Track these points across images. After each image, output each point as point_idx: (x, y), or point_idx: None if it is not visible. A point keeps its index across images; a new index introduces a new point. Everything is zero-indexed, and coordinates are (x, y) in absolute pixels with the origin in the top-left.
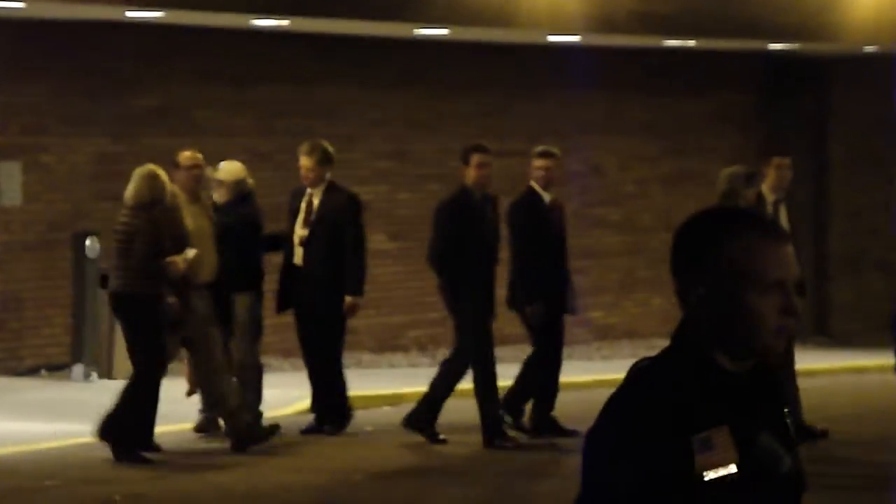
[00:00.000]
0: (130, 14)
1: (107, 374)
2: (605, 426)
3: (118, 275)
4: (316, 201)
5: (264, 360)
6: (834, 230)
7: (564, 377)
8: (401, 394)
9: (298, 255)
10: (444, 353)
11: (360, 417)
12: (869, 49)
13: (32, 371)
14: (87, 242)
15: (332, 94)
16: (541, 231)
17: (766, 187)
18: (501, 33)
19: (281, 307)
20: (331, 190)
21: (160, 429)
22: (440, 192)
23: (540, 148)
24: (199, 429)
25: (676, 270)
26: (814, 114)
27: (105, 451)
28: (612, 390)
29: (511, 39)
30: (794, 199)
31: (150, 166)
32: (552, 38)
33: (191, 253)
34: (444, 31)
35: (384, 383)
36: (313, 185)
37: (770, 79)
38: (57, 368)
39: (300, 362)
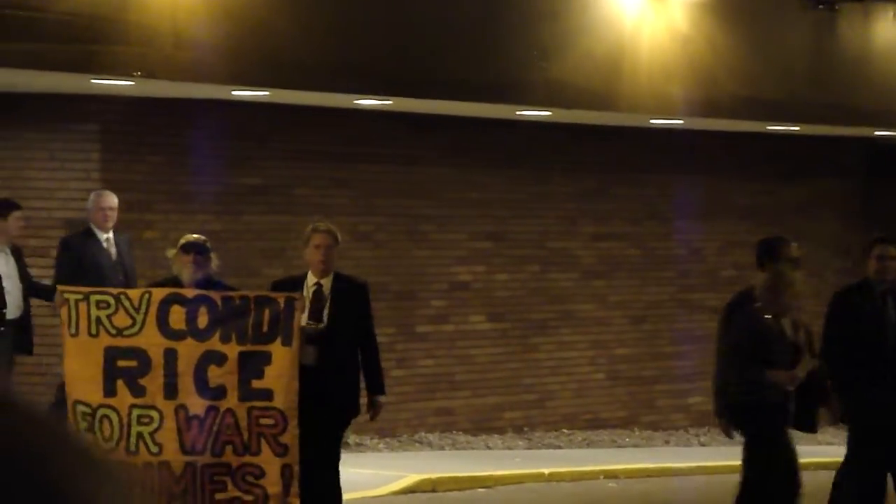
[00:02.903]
0: (236, 93)
1: None
2: None
3: None
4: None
5: None
6: None
7: (662, 463)
8: (496, 476)
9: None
10: (539, 435)
11: (455, 500)
12: None
13: None
14: None
15: (431, 174)
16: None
17: (870, 275)
18: (603, 116)
19: None
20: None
21: None
22: (537, 272)
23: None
24: None
25: None
26: None
27: None
28: (710, 476)
29: (613, 122)
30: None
31: None
32: (654, 122)
33: None
34: (545, 113)
35: (479, 465)
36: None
37: (873, 165)
38: None
39: (392, 441)
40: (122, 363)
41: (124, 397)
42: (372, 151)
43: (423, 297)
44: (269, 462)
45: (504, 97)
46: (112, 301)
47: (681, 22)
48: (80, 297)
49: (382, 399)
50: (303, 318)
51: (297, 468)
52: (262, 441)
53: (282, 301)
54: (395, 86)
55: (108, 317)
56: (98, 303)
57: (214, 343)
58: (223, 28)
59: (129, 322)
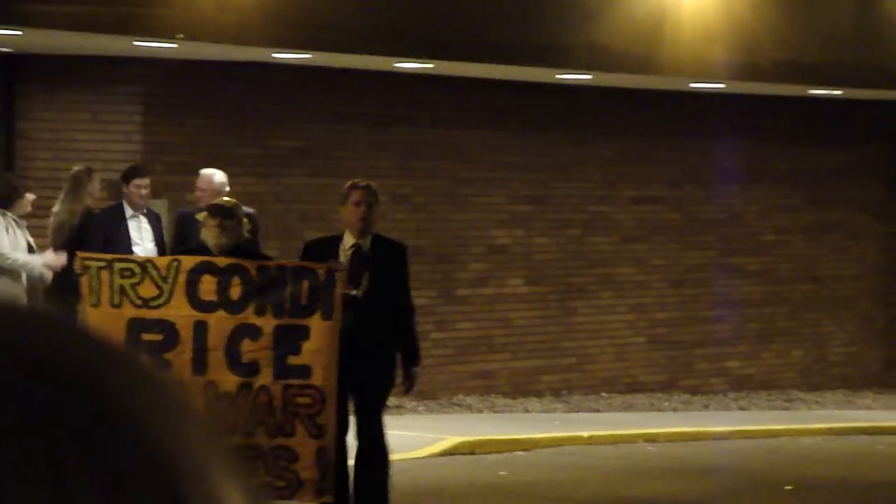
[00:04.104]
0: (277, 55)
1: None
2: None
3: None
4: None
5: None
6: None
7: (701, 427)
8: (535, 439)
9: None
10: (578, 399)
11: (494, 462)
12: None
13: None
14: None
15: (471, 136)
16: None
17: None
18: (644, 80)
19: None
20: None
21: None
22: (577, 236)
23: None
24: None
25: None
26: None
27: None
28: (748, 441)
29: (654, 86)
30: None
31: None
32: (695, 86)
33: None
34: (586, 77)
35: (518, 428)
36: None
37: None
38: None
39: (432, 404)
40: (147, 336)
41: None
42: (412, 114)
43: (462, 260)
44: (303, 444)
45: (545, 60)
46: (138, 269)
47: None
48: (102, 264)
49: (416, 371)
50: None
51: (332, 453)
52: (297, 422)
53: (322, 272)
54: (436, 49)
55: (133, 286)
56: (122, 271)
57: (248, 316)
58: None
59: (156, 292)
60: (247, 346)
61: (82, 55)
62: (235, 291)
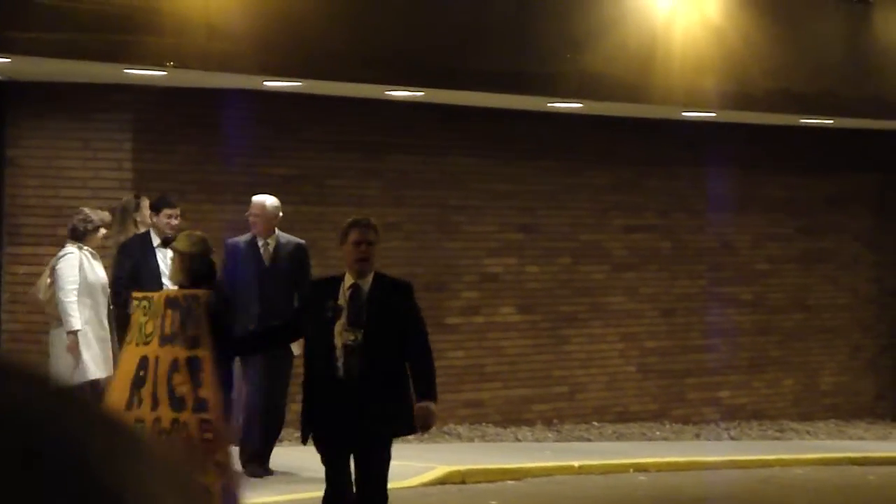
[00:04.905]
0: (268, 84)
1: None
2: None
3: None
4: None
5: None
6: None
7: (692, 456)
8: (526, 468)
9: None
10: (569, 428)
11: (485, 492)
12: None
13: None
14: None
15: (462, 165)
16: None
17: None
18: (636, 108)
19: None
20: None
21: None
22: (568, 264)
23: None
24: None
25: None
26: None
27: None
28: (740, 470)
29: (645, 115)
30: None
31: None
32: (686, 115)
33: None
34: (577, 105)
35: (509, 458)
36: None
37: None
38: None
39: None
40: (141, 373)
41: (135, 411)
42: (403, 142)
43: (453, 288)
44: (214, 484)
45: (536, 89)
46: (147, 305)
47: (714, 14)
48: (142, 301)
49: (433, 406)
50: (340, 325)
51: (235, 490)
52: (207, 459)
53: (196, 299)
54: (427, 77)
55: (143, 324)
56: (144, 307)
57: (176, 348)
58: (255, 18)
59: (151, 328)
60: (175, 379)
61: (72, 82)
62: (169, 323)
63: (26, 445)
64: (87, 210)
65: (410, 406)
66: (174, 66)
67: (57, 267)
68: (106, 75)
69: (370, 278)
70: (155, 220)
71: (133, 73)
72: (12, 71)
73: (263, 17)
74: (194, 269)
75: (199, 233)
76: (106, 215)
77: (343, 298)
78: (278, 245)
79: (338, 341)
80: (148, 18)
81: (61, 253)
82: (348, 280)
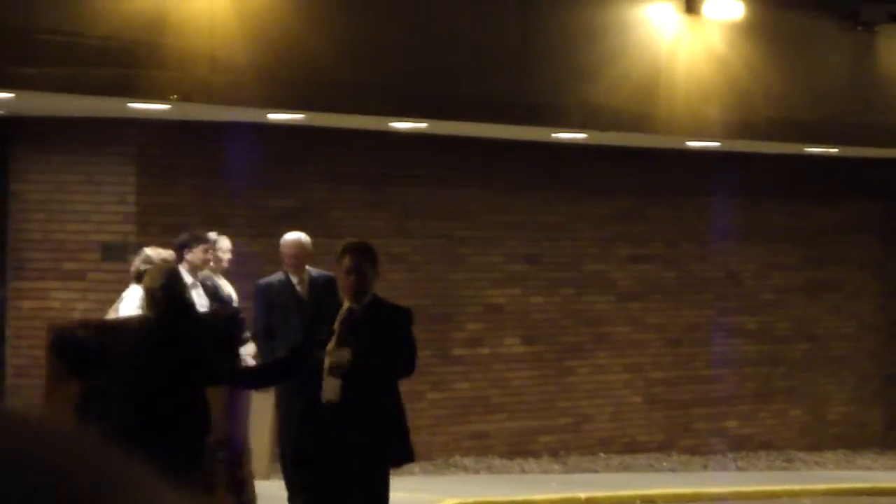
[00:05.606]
0: (272, 117)
1: None
2: None
3: None
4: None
5: None
6: None
7: (700, 487)
8: (532, 500)
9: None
10: (575, 459)
11: None
12: None
13: None
14: None
15: (466, 196)
16: None
17: None
18: (639, 138)
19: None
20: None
21: None
22: (573, 295)
23: None
24: None
25: None
26: None
27: None
28: (747, 502)
29: (649, 144)
30: None
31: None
32: (690, 144)
33: None
34: (581, 135)
35: (515, 489)
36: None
37: None
38: None
39: (428, 465)
40: None
41: None
42: (407, 174)
43: (458, 319)
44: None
45: (540, 119)
46: None
47: (717, 44)
48: None
49: (349, 353)
50: (330, 348)
51: None
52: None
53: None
54: (430, 108)
55: None
56: None
57: None
58: (259, 52)
59: None
60: None
61: (76, 117)
62: None
63: (20, 482)
64: (147, 250)
65: (403, 435)
66: (178, 100)
67: (119, 308)
68: (110, 109)
69: (366, 302)
70: (190, 257)
71: (137, 107)
72: (16, 105)
73: (267, 50)
74: (157, 303)
75: (166, 265)
76: (168, 254)
77: (337, 321)
78: (311, 279)
79: (326, 363)
80: (151, 52)
81: (124, 294)
82: (345, 304)
